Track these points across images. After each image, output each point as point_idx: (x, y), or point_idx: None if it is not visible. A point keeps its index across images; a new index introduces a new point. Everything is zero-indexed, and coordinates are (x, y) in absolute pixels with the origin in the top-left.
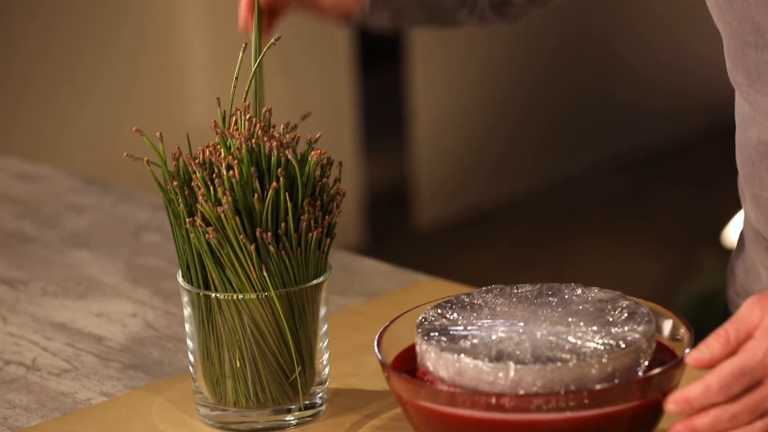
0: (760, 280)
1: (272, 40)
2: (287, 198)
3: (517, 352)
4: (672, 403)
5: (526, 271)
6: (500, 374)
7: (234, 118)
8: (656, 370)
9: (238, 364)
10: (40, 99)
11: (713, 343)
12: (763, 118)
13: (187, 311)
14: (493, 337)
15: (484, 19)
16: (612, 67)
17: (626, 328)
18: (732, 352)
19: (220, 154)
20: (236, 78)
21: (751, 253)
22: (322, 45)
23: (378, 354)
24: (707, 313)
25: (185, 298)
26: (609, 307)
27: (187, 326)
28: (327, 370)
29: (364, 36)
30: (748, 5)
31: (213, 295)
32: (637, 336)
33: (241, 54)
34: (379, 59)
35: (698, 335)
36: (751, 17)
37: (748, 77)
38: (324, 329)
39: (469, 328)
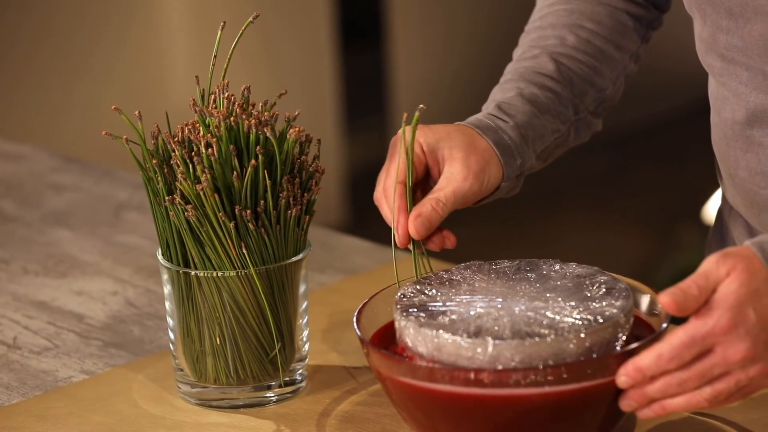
0: None
1: (250, 18)
2: (266, 176)
3: (496, 328)
4: (624, 375)
5: (506, 247)
6: (479, 350)
7: (213, 97)
8: (634, 345)
9: (218, 342)
10: (19, 79)
11: (689, 291)
12: (736, 100)
13: (167, 289)
14: (472, 313)
15: (589, 124)
16: None
17: (604, 303)
18: (701, 303)
19: (199, 133)
20: (214, 57)
21: (730, 230)
22: (302, 23)
23: (357, 330)
24: None
25: (165, 276)
26: (587, 282)
27: (167, 304)
28: (307, 346)
29: (345, 14)
30: None
31: (193, 272)
32: (614, 311)
33: (219, 33)
34: (359, 37)
35: None
36: (723, 2)
37: (721, 61)
38: (304, 306)
39: (447, 304)
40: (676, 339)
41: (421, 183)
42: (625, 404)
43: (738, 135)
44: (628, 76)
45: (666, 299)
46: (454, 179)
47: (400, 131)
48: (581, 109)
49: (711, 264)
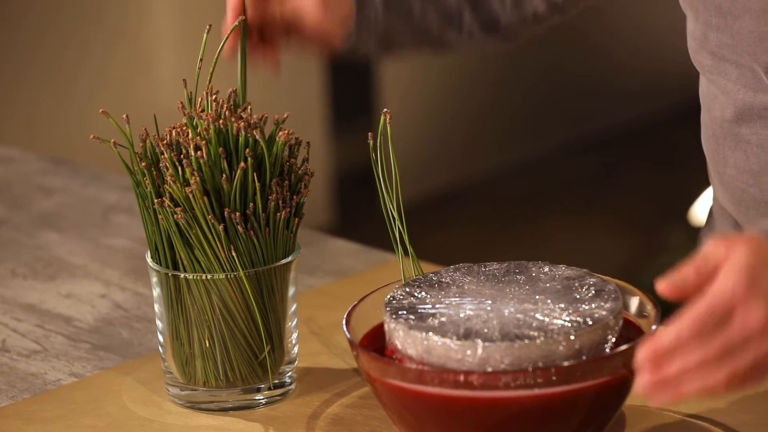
0: None
1: (236, 23)
2: (255, 178)
3: (485, 330)
4: (642, 358)
5: (495, 250)
6: (468, 352)
7: (200, 99)
8: (623, 347)
9: (208, 344)
10: (8, 81)
11: (686, 273)
12: (725, 98)
13: (156, 292)
14: (461, 315)
15: (474, 39)
16: (581, 47)
17: (593, 306)
18: (701, 286)
19: (187, 135)
20: (201, 60)
21: (718, 229)
22: None
23: (347, 333)
24: None
25: (154, 279)
26: (576, 284)
27: (156, 307)
28: (296, 349)
29: None
30: None
31: (182, 275)
32: (604, 313)
33: (205, 36)
34: None
35: (665, 312)
36: (713, 0)
37: (712, 59)
38: (293, 309)
39: (437, 306)
40: (695, 312)
41: None
42: (642, 390)
43: (726, 133)
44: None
45: (663, 286)
46: None
47: None
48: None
49: (709, 246)
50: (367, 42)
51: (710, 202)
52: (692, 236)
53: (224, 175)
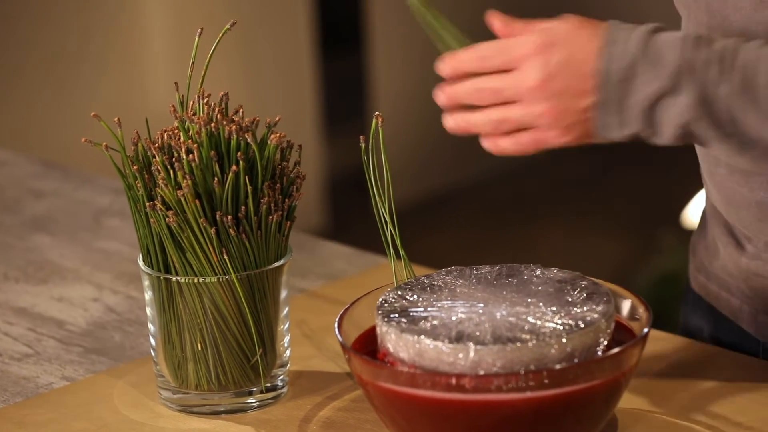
0: (719, 256)
1: (227, 26)
2: (247, 181)
3: (477, 333)
4: (442, 63)
5: (488, 252)
6: (460, 355)
7: (192, 103)
8: (615, 350)
9: (200, 348)
10: (0, 85)
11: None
12: None
13: (148, 295)
14: (453, 318)
15: None
16: None
17: (585, 308)
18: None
19: (179, 138)
20: (192, 63)
21: (711, 230)
22: (282, 28)
23: (339, 336)
24: (668, 292)
25: (146, 282)
26: (568, 287)
27: (148, 310)
28: (288, 352)
29: (325, 19)
30: None
31: (174, 278)
32: (596, 316)
33: (197, 39)
34: (339, 43)
35: (658, 315)
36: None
37: None
38: (285, 312)
39: (429, 309)
40: (487, 44)
41: None
42: (439, 99)
43: None
44: None
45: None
46: None
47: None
48: None
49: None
50: None
51: (703, 204)
52: (685, 239)
53: (216, 179)
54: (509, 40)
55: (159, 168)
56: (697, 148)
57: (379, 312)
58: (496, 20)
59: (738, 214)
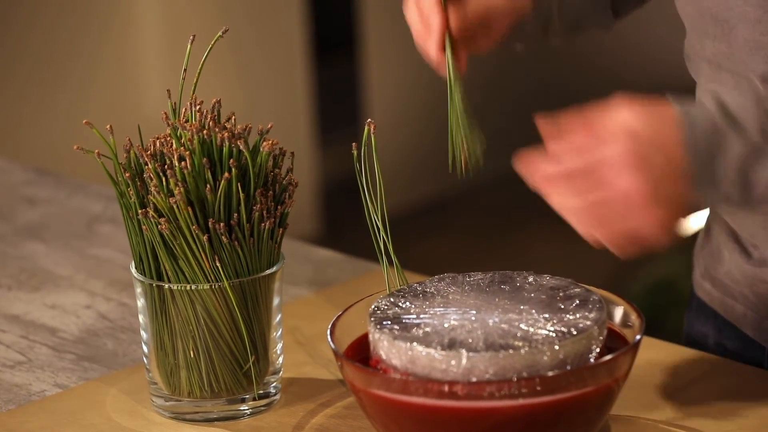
0: (724, 262)
1: (219, 33)
2: (239, 188)
3: (470, 340)
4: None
5: (480, 259)
6: (452, 362)
7: (184, 110)
8: (607, 357)
9: (192, 355)
10: None
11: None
12: None
13: (140, 302)
14: (446, 325)
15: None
16: (567, 59)
17: (578, 315)
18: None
19: (171, 145)
20: (185, 70)
21: (715, 236)
22: (275, 35)
23: (331, 343)
24: (661, 299)
25: (138, 289)
26: (561, 294)
27: (140, 317)
28: (281, 359)
29: (318, 26)
30: None
31: (166, 285)
32: (588, 323)
33: (189, 46)
34: (332, 50)
35: (651, 321)
36: (708, 9)
37: (708, 67)
38: (278, 319)
39: (421, 316)
40: (570, 157)
41: None
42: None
43: None
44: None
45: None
46: None
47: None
48: None
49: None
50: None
51: (706, 211)
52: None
53: (208, 186)
54: (594, 153)
55: (151, 175)
56: None
57: (372, 319)
58: (543, 124)
59: (743, 222)
